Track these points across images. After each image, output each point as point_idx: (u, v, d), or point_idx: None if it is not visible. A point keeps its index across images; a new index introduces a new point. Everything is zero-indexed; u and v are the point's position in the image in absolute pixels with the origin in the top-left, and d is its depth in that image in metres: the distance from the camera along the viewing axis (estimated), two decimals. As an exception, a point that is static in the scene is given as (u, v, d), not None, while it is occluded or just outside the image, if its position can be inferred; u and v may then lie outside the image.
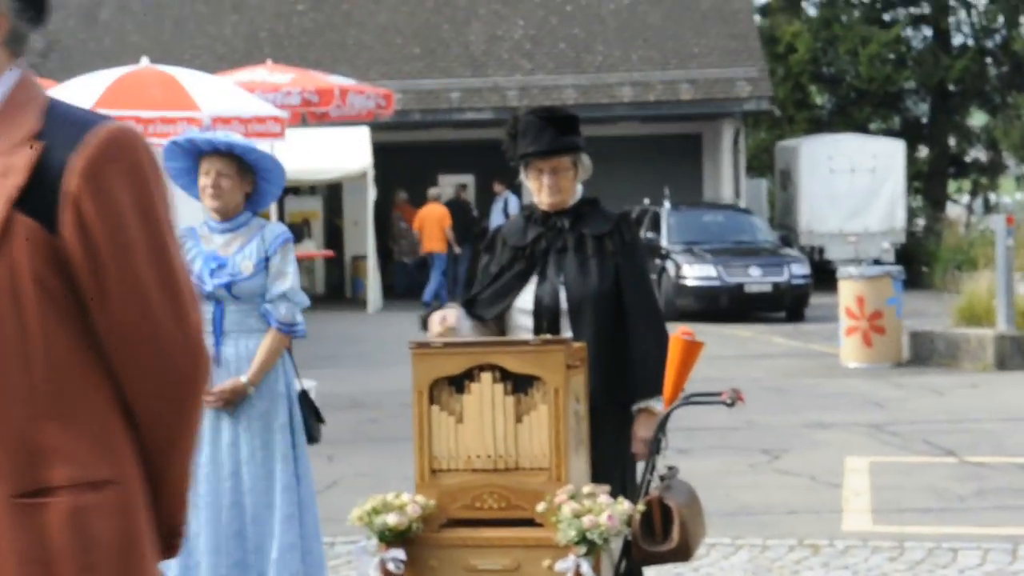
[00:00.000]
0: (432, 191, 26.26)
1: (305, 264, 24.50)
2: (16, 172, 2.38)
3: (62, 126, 2.42)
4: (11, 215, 2.37)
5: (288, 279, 5.77)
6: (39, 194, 2.37)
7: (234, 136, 5.94)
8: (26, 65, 2.54)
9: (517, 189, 25.19)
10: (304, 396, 5.95)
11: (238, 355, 5.77)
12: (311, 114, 16.01)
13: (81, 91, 11.73)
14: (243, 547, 5.74)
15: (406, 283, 27.33)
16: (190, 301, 2.49)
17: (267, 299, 5.76)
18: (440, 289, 25.10)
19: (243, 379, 5.74)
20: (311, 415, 5.92)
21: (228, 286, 5.73)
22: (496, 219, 25.13)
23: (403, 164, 27.78)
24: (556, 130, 5.23)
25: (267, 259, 5.76)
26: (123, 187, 2.41)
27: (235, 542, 5.74)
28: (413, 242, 27.22)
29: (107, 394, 2.46)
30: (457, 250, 25.41)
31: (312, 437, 5.96)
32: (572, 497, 4.62)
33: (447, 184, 27.60)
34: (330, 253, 22.51)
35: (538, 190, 5.29)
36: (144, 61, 12.78)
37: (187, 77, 12.52)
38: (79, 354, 2.43)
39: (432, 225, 25.41)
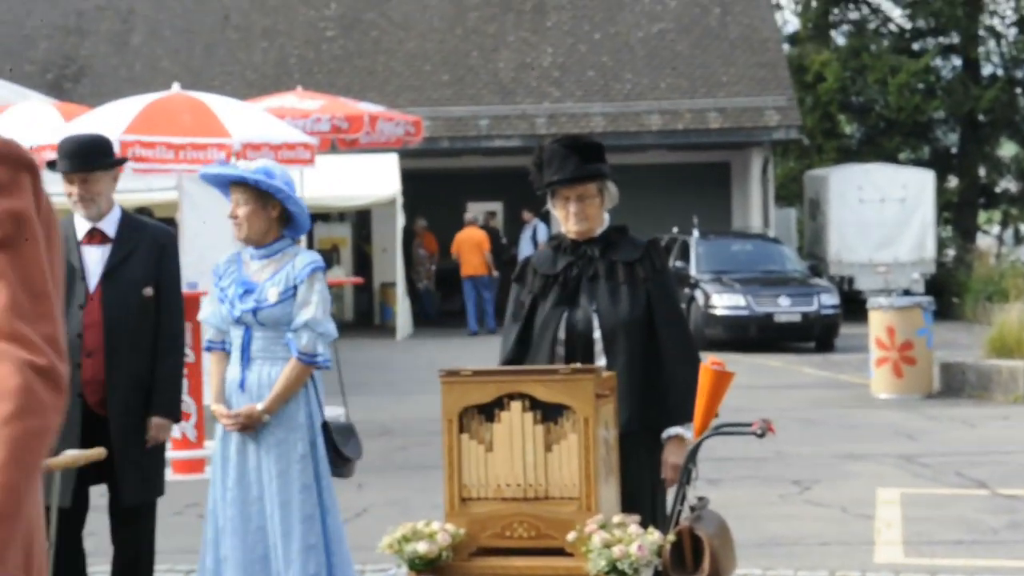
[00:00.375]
0: (468, 215, 26.32)
1: (334, 291, 24.53)
2: None
3: None
4: None
5: (312, 308, 5.75)
6: None
7: (244, 164, 5.97)
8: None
9: (546, 217, 25.17)
10: (325, 429, 5.89)
11: (260, 382, 5.77)
12: (340, 141, 16.01)
13: (112, 117, 11.76)
14: (268, 571, 5.73)
15: (424, 311, 27.34)
16: (56, 308, 2.37)
17: (291, 328, 5.75)
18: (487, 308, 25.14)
19: (259, 406, 5.72)
20: (330, 449, 5.85)
21: (254, 312, 5.74)
22: (525, 247, 25.10)
23: (432, 191, 27.82)
24: (581, 158, 5.24)
25: (295, 287, 5.75)
26: None
27: (261, 566, 5.73)
28: (431, 269, 27.24)
29: None
30: (495, 274, 25.35)
31: (337, 472, 5.88)
32: (602, 527, 4.58)
33: (476, 211, 27.63)
34: (359, 280, 22.51)
35: (565, 218, 5.29)
36: (175, 87, 12.81)
37: (217, 103, 12.53)
38: None
39: (471, 249, 25.44)
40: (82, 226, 6.17)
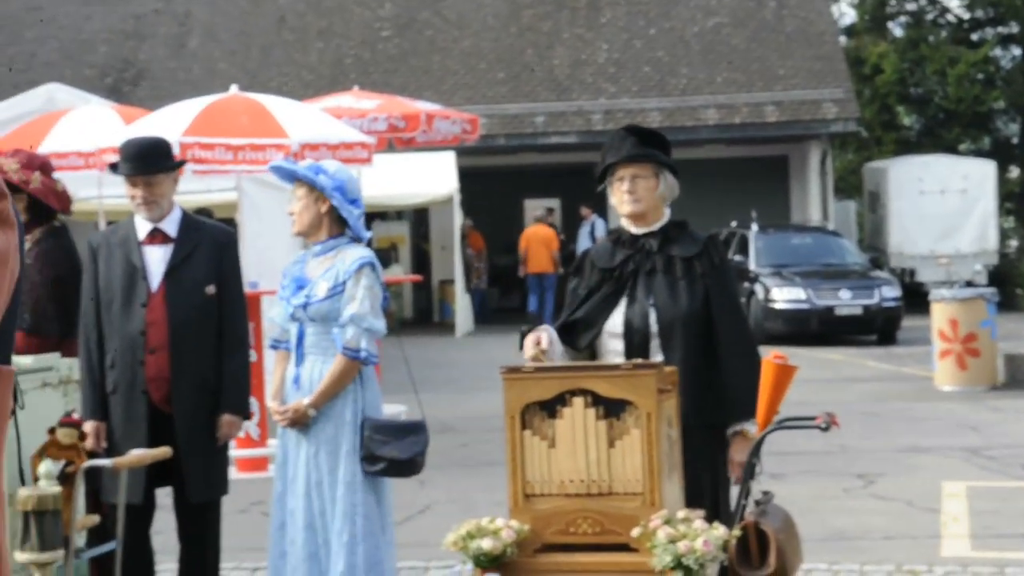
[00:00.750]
0: (537, 213, 26.38)
1: (393, 289, 24.52)
2: None
3: None
4: None
5: (357, 303, 5.75)
6: None
7: (295, 161, 6.04)
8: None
9: (604, 213, 25.12)
10: (361, 427, 5.83)
11: (312, 378, 5.80)
12: (397, 139, 16.02)
13: (172, 119, 11.82)
14: (318, 569, 5.75)
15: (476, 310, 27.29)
16: None
17: (338, 323, 5.76)
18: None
19: (305, 401, 5.73)
20: (362, 447, 5.81)
21: (304, 307, 5.77)
22: (583, 243, 25.04)
23: (488, 189, 27.81)
24: (638, 140, 5.24)
25: (344, 283, 5.77)
26: None
27: (311, 564, 5.75)
28: (479, 268, 27.18)
29: None
30: (561, 271, 25.33)
31: (372, 471, 5.80)
32: (667, 522, 4.55)
33: (534, 208, 27.61)
34: (418, 278, 22.55)
35: (620, 203, 5.26)
36: (233, 89, 12.86)
37: (275, 104, 12.57)
38: None
39: (539, 246, 25.49)
40: (143, 227, 6.21)
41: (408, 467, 5.87)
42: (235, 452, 10.56)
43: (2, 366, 2.50)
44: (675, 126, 26.69)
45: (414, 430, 5.92)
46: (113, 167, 6.34)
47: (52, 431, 5.63)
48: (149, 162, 6.17)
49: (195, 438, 6.07)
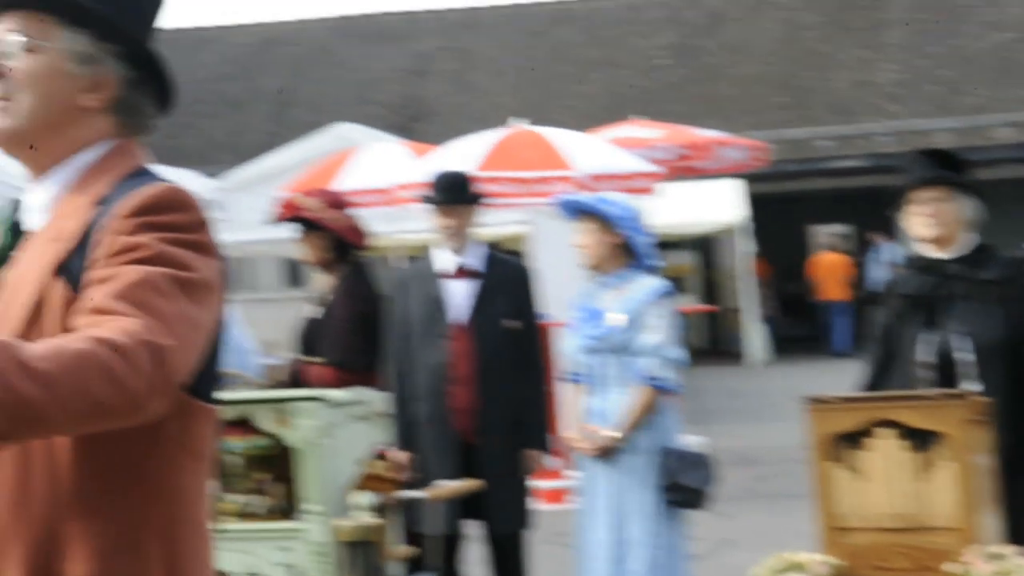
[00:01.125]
0: (824, 239, 26.11)
1: (684, 319, 24.35)
2: (65, 238, 2.32)
3: (125, 191, 2.33)
4: (49, 282, 2.28)
5: (656, 332, 5.76)
6: (78, 258, 2.28)
7: (582, 196, 6.15)
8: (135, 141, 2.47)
9: (895, 238, 24.55)
10: (664, 456, 5.83)
11: (612, 408, 5.82)
12: (685, 168, 16.00)
13: (463, 155, 11.99)
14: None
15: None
16: (164, 345, 2.17)
17: (638, 353, 5.75)
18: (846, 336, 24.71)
19: (611, 432, 5.74)
20: (665, 477, 5.78)
21: (599, 338, 5.79)
22: (873, 271, 24.52)
23: (773, 215, 27.49)
24: (933, 162, 5.12)
25: (640, 313, 5.76)
26: (141, 236, 2.26)
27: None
28: (764, 295, 26.85)
29: (146, 486, 2.30)
30: (853, 298, 24.92)
31: (671, 501, 5.79)
32: (987, 558, 4.40)
33: (822, 235, 27.22)
34: (710, 307, 22.42)
35: (919, 227, 5.12)
36: (518, 122, 13.01)
37: (556, 137, 12.67)
38: (111, 438, 2.23)
39: (831, 273, 25.17)
40: (447, 260, 6.33)
41: (701, 498, 5.85)
42: (536, 483, 10.64)
43: (206, 404, 2.41)
44: (966, 147, 25.93)
45: (703, 461, 5.89)
46: (424, 199, 6.50)
47: (364, 463, 5.76)
48: (461, 193, 6.31)
49: (501, 470, 6.15)
